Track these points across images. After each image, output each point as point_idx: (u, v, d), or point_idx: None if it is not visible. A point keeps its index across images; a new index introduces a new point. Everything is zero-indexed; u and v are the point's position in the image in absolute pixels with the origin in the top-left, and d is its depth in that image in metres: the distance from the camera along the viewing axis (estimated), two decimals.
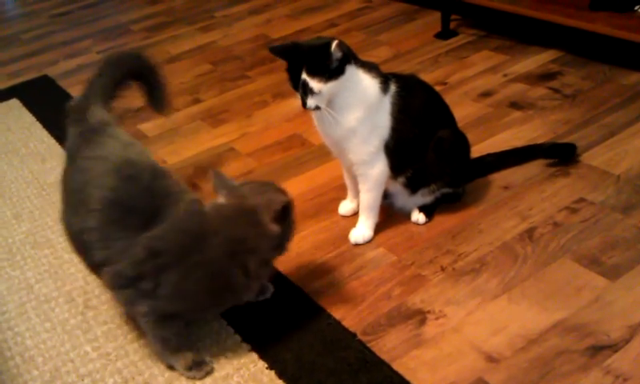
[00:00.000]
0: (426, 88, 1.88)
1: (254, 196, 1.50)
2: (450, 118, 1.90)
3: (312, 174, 2.22)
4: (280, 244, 1.52)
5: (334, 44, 1.63)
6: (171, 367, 1.53)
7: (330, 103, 1.70)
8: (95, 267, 1.51)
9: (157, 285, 1.43)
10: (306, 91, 1.67)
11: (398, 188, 1.89)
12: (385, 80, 1.76)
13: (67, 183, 1.58)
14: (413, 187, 1.88)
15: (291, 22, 3.65)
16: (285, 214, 1.48)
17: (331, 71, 1.65)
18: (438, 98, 1.89)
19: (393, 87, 1.77)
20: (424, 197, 1.90)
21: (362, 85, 1.72)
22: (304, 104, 1.69)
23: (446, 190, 1.90)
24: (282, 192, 1.54)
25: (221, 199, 1.53)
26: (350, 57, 1.69)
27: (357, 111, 1.72)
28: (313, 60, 1.65)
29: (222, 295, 1.50)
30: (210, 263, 1.44)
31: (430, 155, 1.82)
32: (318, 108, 1.69)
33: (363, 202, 1.86)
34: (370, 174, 1.81)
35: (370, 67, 1.75)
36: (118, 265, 1.44)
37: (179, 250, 1.43)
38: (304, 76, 1.66)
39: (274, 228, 1.47)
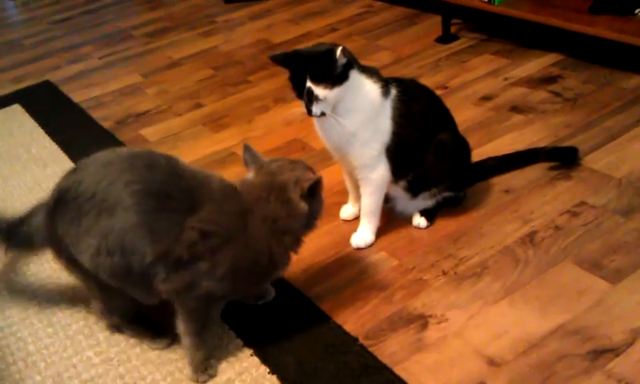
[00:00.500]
0: (427, 92, 1.88)
1: (283, 173, 1.51)
2: (451, 121, 1.90)
3: None
4: (309, 221, 1.54)
5: (339, 50, 1.63)
6: (195, 365, 1.54)
7: (334, 108, 1.70)
8: (148, 267, 1.44)
9: (213, 266, 1.44)
10: (311, 99, 1.67)
11: (399, 192, 1.90)
12: (385, 84, 1.76)
13: (76, 210, 1.49)
14: (414, 191, 1.88)
15: (292, 27, 3.66)
16: (313, 192, 1.50)
17: (335, 77, 1.65)
18: (438, 102, 1.89)
19: (393, 91, 1.77)
20: (425, 200, 1.90)
21: (364, 89, 1.72)
22: (309, 111, 1.69)
23: (447, 194, 1.90)
24: (311, 169, 1.55)
25: (250, 174, 1.55)
26: (352, 62, 1.70)
27: (359, 115, 1.72)
28: (316, 67, 1.65)
29: (266, 271, 1.54)
30: (254, 242, 1.47)
31: (431, 159, 1.82)
32: (323, 114, 1.70)
33: (365, 206, 1.86)
34: (372, 177, 1.81)
35: (372, 72, 1.76)
36: (174, 253, 1.43)
37: (227, 231, 1.45)
38: (309, 84, 1.66)
39: (303, 206, 1.49)
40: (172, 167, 1.50)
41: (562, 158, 2.09)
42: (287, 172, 1.52)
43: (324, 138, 1.81)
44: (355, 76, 1.70)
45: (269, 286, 1.72)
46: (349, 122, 1.72)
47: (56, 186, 1.56)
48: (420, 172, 1.84)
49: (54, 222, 1.54)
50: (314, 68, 1.66)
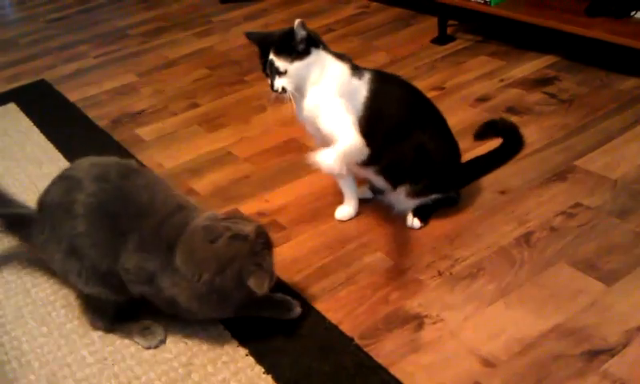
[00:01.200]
0: (407, 86, 1.89)
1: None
2: (437, 121, 1.89)
3: (309, 179, 2.22)
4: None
5: (297, 22, 1.69)
6: None
7: (299, 88, 1.75)
8: (104, 274, 1.58)
9: (157, 293, 1.55)
10: (273, 72, 1.74)
11: (380, 181, 1.90)
12: (357, 67, 1.79)
13: (42, 219, 1.66)
14: (392, 180, 1.88)
15: None
16: None
17: (297, 52, 1.72)
18: (420, 98, 1.89)
19: (367, 75, 1.79)
20: (410, 198, 1.89)
21: (329, 67, 1.76)
22: (272, 86, 1.75)
23: (434, 196, 1.90)
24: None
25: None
26: (317, 42, 1.75)
27: (324, 89, 1.75)
28: (280, 42, 1.73)
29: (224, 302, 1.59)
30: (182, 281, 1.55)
31: (409, 153, 1.82)
32: (284, 90, 1.74)
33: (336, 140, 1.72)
34: (343, 137, 1.72)
35: (341, 56, 1.79)
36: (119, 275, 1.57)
37: (151, 272, 1.56)
38: (271, 56, 1.73)
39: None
40: (120, 186, 1.59)
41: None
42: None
43: (300, 120, 1.84)
44: (319, 54, 1.75)
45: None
46: (313, 97, 1.75)
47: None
48: (394, 161, 1.83)
49: (38, 232, 1.67)
50: (277, 43, 1.73)
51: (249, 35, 1.82)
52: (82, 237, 1.55)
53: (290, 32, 1.72)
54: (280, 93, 1.76)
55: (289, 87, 1.74)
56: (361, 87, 1.77)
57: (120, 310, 1.65)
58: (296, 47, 1.72)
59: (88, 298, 1.65)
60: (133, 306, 1.65)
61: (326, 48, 1.78)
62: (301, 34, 1.71)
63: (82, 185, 1.58)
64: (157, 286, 1.52)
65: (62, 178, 1.66)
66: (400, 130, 1.81)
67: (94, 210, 1.55)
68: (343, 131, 1.74)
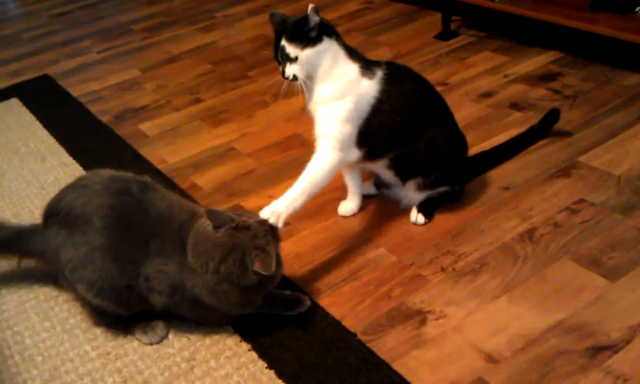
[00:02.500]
0: (418, 79, 1.88)
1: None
2: (447, 115, 1.90)
3: None
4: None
5: (310, 7, 1.68)
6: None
7: (310, 76, 1.73)
8: (120, 288, 1.57)
9: (178, 301, 1.57)
10: (284, 58, 1.73)
11: (389, 176, 1.89)
12: (367, 66, 1.77)
13: (57, 224, 1.62)
14: (402, 175, 1.88)
15: None
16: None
17: (309, 39, 1.70)
18: (431, 92, 1.89)
19: (379, 73, 1.77)
20: (418, 192, 1.90)
21: (339, 61, 1.74)
22: (283, 73, 1.75)
23: (442, 189, 1.90)
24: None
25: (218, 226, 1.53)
26: (330, 31, 1.74)
27: (332, 86, 1.73)
28: (293, 28, 1.72)
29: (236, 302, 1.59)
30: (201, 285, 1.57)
31: (420, 147, 1.82)
32: (295, 78, 1.73)
33: (301, 178, 1.71)
34: (322, 154, 1.75)
35: (354, 53, 1.78)
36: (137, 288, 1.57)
37: (172, 281, 1.57)
38: (283, 42, 1.72)
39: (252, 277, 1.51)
40: (141, 199, 1.59)
41: (550, 124, 2.19)
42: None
43: (308, 108, 1.82)
44: (332, 44, 1.73)
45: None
46: (319, 93, 1.74)
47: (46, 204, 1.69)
48: (405, 156, 1.83)
49: (46, 238, 1.65)
50: (290, 29, 1.72)
51: (272, 16, 1.79)
52: (103, 250, 1.53)
53: (304, 19, 1.70)
54: (291, 80, 1.74)
55: (300, 75, 1.72)
56: (371, 87, 1.75)
57: (122, 317, 1.65)
58: (308, 33, 1.70)
59: (91, 306, 1.64)
60: (137, 316, 1.64)
61: (339, 39, 1.76)
62: (314, 19, 1.69)
63: (103, 197, 1.57)
64: (181, 292, 1.53)
65: (78, 187, 1.63)
66: (412, 125, 1.80)
67: (116, 223, 1.54)
68: (324, 146, 1.75)
